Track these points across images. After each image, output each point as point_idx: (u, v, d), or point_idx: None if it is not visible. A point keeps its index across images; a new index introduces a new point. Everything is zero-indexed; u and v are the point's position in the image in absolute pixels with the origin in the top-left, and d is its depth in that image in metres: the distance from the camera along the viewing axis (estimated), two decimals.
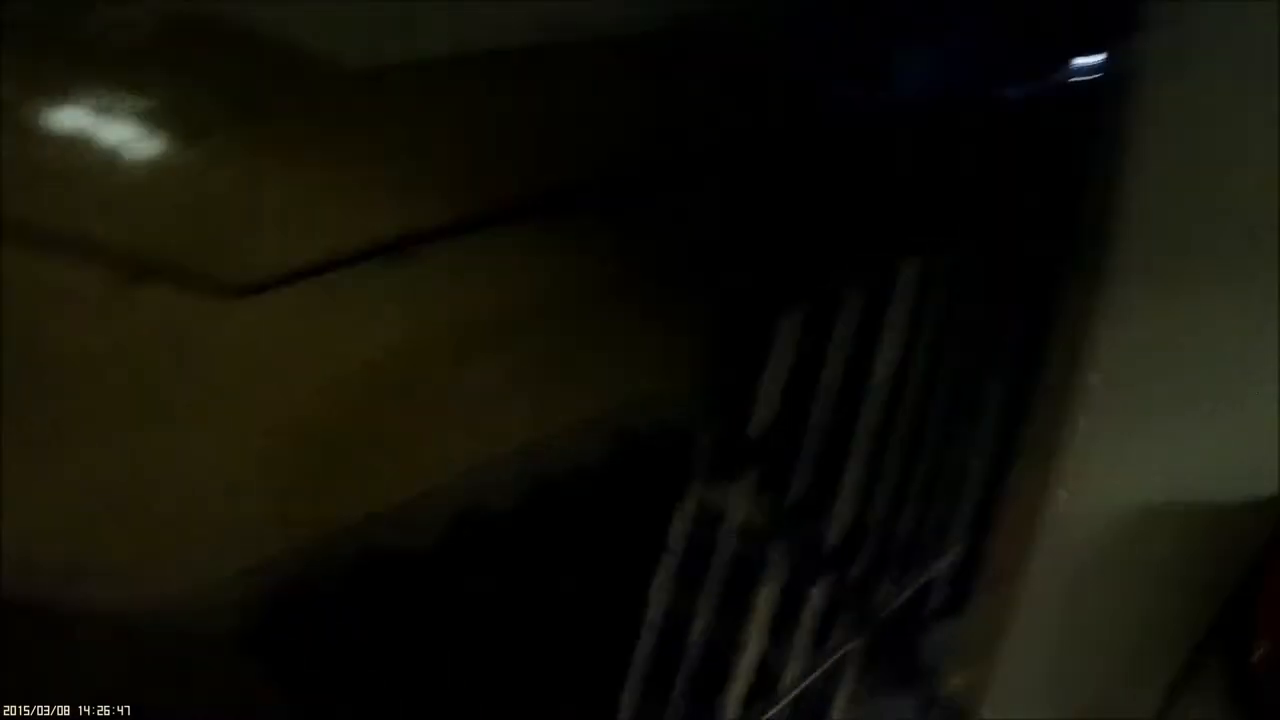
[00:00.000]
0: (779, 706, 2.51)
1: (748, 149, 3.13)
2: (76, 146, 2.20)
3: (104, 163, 2.20)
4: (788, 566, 2.48)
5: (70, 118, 2.23)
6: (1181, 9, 2.44)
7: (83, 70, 2.24)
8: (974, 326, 2.76)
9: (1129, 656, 2.46)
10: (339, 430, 2.36)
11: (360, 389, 2.42)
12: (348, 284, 2.35)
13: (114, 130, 2.21)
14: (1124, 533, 2.47)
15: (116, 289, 2.05)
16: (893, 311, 2.45)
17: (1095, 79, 2.83)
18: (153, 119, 2.21)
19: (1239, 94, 2.43)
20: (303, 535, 2.19)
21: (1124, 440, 2.47)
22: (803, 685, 2.51)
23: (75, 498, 2.02)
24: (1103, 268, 2.63)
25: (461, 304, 2.69)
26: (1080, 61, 2.97)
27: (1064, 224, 2.77)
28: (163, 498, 2.06)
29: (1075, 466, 2.54)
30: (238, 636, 2.07)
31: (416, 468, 2.50)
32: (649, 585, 2.39)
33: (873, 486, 2.60)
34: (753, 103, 3.14)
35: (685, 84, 3.15)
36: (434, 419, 2.57)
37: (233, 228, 2.20)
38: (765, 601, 2.44)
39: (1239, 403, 2.37)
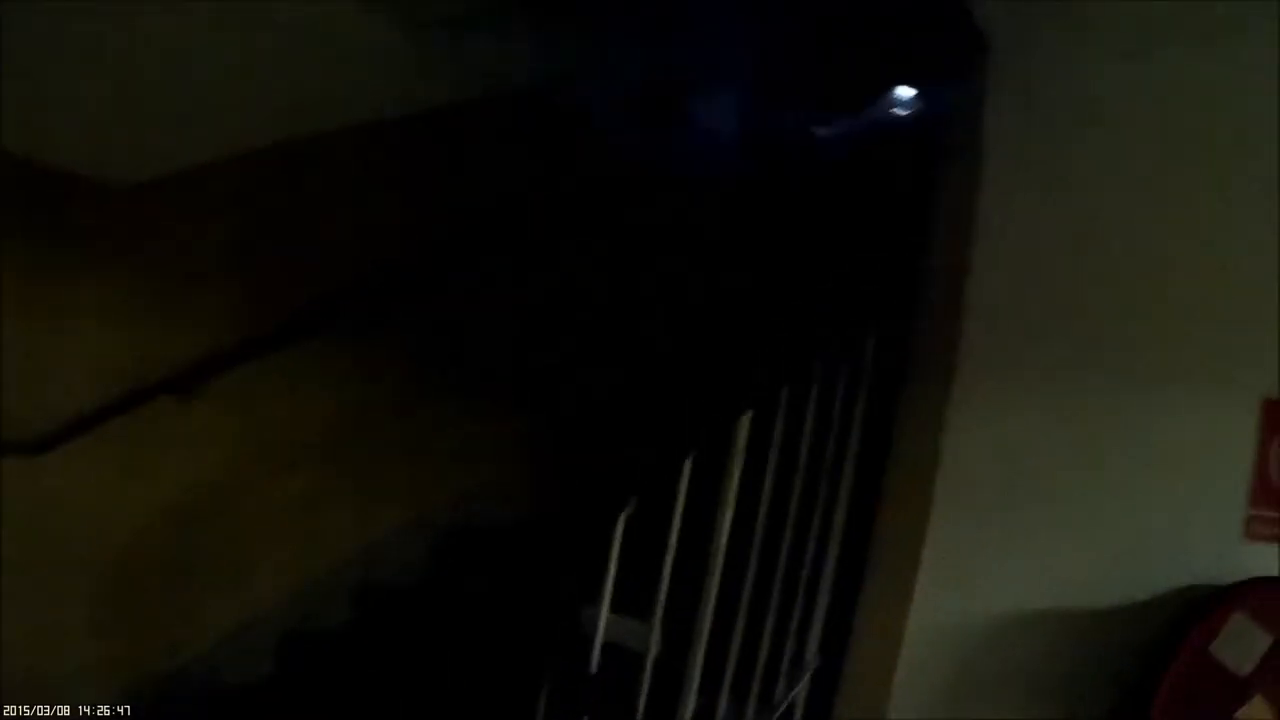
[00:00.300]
0: None
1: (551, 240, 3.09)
2: None
3: None
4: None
5: None
6: (1029, 67, 2.53)
7: None
8: (815, 450, 2.80)
9: None
10: (158, 569, 2.30)
11: (172, 526, 2.38)
12: (142, 424, 2.33)
13: None
14: (991, 640, 2.47)
15: None
16: (730, 465, 2.43)
17: (933, 148, 2.88)
18: None
19: (1089, 172, 2.52)
20: (135, 679, 2.11)
21: (987, 546, 2.49)
22: None
23: None
24: (949, 365, 2.67)
25: (261, 428, 2.67)
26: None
27: (904, 324, 2.80)
28: None
29: (937, 574, 2.53)
30: None
31: (241, 596, 2.48)
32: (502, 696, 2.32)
33: (728, 628, 2.57)
34: (556, 174, 3.11)
35: (478, 160, 3.10)
36: (251, 543, 2.56)
37: (13, 382, 2.12)
38: None
39: (1102, 505, 2.42)
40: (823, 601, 2.86)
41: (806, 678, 2.81)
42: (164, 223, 2.47)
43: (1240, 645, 2.05)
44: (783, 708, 2.71)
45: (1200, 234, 2.42)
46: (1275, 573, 2.21)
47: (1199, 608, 2.17)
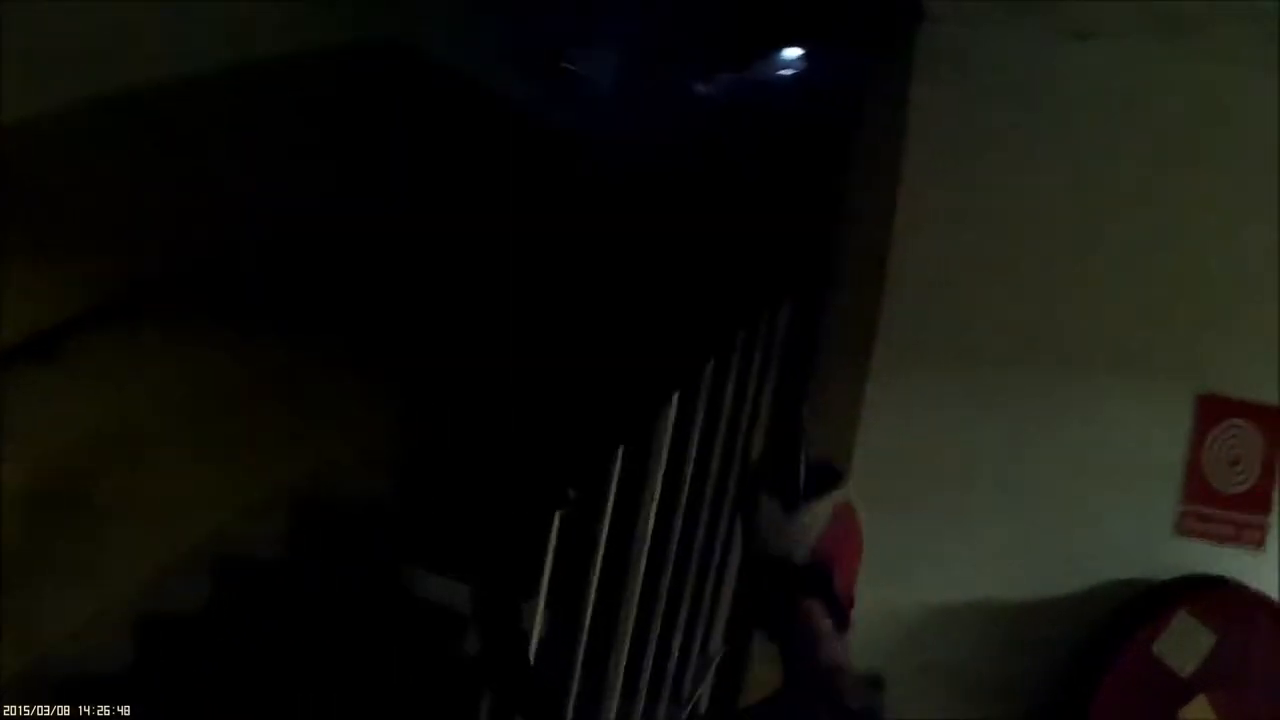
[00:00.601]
0: None
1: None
2: None
3: None
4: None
5: None
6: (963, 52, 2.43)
7: None
8: (729, 431, 2.64)
9: None
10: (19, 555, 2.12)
11: (23, 508, 2.19)
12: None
13: None
14: (912, 636, 2.40)
15: None
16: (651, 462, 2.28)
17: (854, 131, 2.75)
18: None
19: (1025, 152, 2.45)
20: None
21: (905, 537, 2.41)
22: None
23: None
24: (866, 346, 2.57)
25: (121, 401, 2.42)
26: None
27: (818, 298, 2.70)
28: None
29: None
30: None
31: (98, 581, 2.27)
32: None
33: (648, 621, 2.43)
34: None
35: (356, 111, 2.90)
36: (109, 525, 2.35)
37: None
38: None
39: (1030, 496, 2.37)
40: (729, 589, 2.76)
41: (712, 667, 2.72)
42: (21, 171, 2.20)
43: (1184, 644, 2.04)
44: (693, 697, 2.62)
45: (1138, 224, 2.39)
46: (1206, 568, 2.21)
47: (1137, 605, 2.15)
